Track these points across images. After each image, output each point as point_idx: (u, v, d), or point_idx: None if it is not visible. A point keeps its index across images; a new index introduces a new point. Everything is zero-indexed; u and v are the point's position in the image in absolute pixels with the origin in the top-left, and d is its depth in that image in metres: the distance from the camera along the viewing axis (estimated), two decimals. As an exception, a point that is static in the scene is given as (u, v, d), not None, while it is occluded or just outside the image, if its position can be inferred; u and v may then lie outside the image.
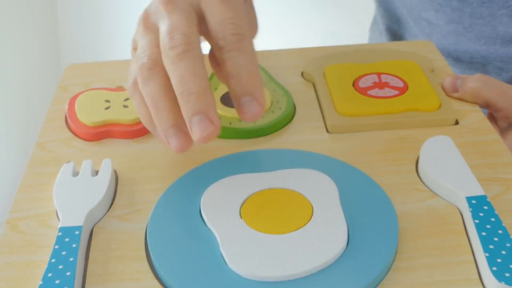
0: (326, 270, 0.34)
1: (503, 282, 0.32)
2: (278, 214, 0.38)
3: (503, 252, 0.34)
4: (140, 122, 0.47)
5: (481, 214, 0.37)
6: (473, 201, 0.38)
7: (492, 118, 0.50)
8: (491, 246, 0.34)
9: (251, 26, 0.41)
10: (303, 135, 0.46)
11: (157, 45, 0.38)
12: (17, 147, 1.42)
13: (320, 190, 0.39)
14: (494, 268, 0.33)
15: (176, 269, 0.35)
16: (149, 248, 0.37)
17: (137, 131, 0.46)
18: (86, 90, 0.50)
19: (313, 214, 0.38)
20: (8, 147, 1.43)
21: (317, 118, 0.48)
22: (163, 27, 0.37)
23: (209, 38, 0.39)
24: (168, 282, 0.34)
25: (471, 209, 0.37)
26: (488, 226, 0.36)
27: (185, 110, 0.35)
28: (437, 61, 0.54)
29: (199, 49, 0.37)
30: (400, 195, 0.40)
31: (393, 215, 0.38)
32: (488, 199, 0.38)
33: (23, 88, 1.42)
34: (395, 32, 0.75)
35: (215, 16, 0.38)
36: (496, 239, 0.35)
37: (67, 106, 0.49)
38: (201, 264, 0.35)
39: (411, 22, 0.70)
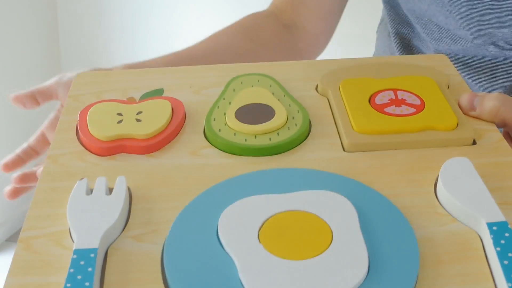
0: (347, 299, 0.34)
1: (528, 316, 0.32)
2: (297, 238, 0.37)
3: (527, 283, 0.33)
4: (154, 137, 0.46)
5: (502, 242, 0.36)
6: (494, 228, 0.37)
7: (508, 137, 0.49)
8: (515, 277, 0.34)
9: None
10: (319, 152, 0.46)
11: None
12: (17, 145, 1.41)
13: (339, 214, 0.39)
14: (519, 301, 0.32)
15: (194, 295, 0.34)
16: (166, 272, 0.36)
17: (151, 146, 0.46)
18: (98, 102, 0.50)
19: (333, 239, 0.37)
20: (8, 147, 1.42)
21: (333, 134, 0.47)
22: None
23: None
24: (186, 308, 0.34)
25: (492, 235, 0.37)
26: (510, 255, 0.36)
27: None
28: (453, 77, 0.53)
29: None
30: (420, 218, 0.40)
31: (413, 240, 0.37)
32: (509, 226, 0.37)
33: (22, 87, 1.41)
34: (404, 36, 0.74)
35: None
36: (519, 269, 0.34)
37: (78, 119, 0.48)
38: (219, 290, 0.35)
39: (419, 27, 0.70)
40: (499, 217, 0.38)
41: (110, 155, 0.46)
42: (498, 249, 0.36)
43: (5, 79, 1.41)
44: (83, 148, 0.47)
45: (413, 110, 0.47)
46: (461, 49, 0.66)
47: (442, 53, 0.64)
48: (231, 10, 1.58)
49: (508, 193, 0.41)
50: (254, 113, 0.48)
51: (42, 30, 1.63)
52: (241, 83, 0.52)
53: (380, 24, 0.82)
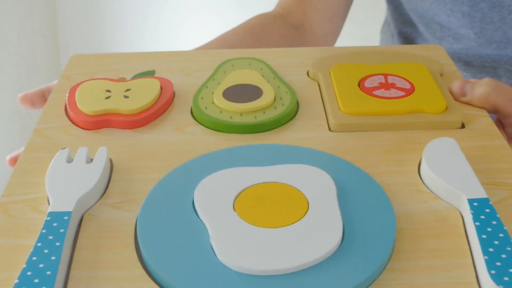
0: (318, 267, 0.33)
1: (501, 286, 0.31)
2: (272, 208, 0.37)
3: (503, 256, 0.32)
4: (140, 113, 0.46)
5: (482, 217, 0.36)
6: (475, 204, 0.36)
7: (500, 124, 0.48)
8: (491, 249, 0.33)
9: None
10: (305, 132, 0.45)
11: None
12: (18, 145, 1.42)
13: (317, 186, 0.38)
14: (493, 272, 0.31)
15: (164, 259, 0.34)
16: (138, 237, 0.36)
17: (137, 121, 0.46)
18: (88, 80, 0.50)
19: (309, 209, 0.36)
20: (8, 145, 1.44)
21: (320, 116, 0.47)
22: None
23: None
24: (155, 272, 0.33)
25: (472, 211, 0.36)
26: (489, 229, 0.35)
27: None
28: (447, 66, 0.53)
29: None
30: (401, 196, 0.39)
31: (391, 214, 0.37)
32: (490, 202, 0.36)
33: (22, 87, 1.42)
34: (407, 36, 0.74)
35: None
36: (496, 242, 0.33)
37: (67, 95, 0.49)
38: (190, 256, 0.34)
39: (422, 27, 0.70)
40: (481, 194, 0.37)
41: (95, 129, 0.46)
42: (477, 223, 0.35)
43: (5, 79, 1.43)
44: (70, 122, 0.47)
45: (402, 93, 0.47)
46: (463, 48, 0.65)
47: (446, 50, 0.64)
48: (232, 10, 1.59)
49: (494, 174, 0.41)
50: (242, 92, 0.48)
51: (42, 29, 1.65)
52: (232, 65, 0.52)
53: (383, 24, 0.81)
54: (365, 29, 1.25)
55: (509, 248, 0.33)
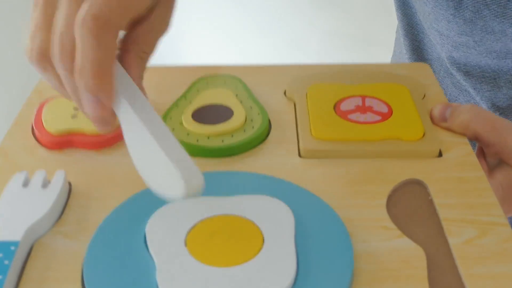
0: (265, 311, 0.31)
1: None
2: (225, 244, 0.35)
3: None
4: (104, 134, 0.45)
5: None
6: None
7: (481, 152, 0.46)
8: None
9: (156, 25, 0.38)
10: (274, 157, 0.43)
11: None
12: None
13: (276, 221, 0.36)
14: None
15: (106, 297, 0.32)
16: (83, 273, 0.34)
17: (100, 143, 0.44)
18: (56, 97, 0.49)
19: (263, 247, 0.35)
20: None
21: (291, 140, 0.45)
22: None
23: None
24: (96, 310, 0.32)
25: None
26: None
27: (79, 84, 0.34)
28: (431, 86, 0.50)
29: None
30: (364, 232, 0.37)
31: (349, 254, 0.35)
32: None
33: (23, 90, 1.42)
34: (414, 38, 0.72)
35: None
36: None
37: (35, 112, 0.47)
38: (134, 293, 0.33)
39: (426, 30, 0.67)
40: None
41: (59, 149, 0.45)
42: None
43: (5, 79, 1.43)
44: (35, 142, 0.46)
45: (378, 118, 0.45)
46: (463, 57, 0.63)
47: (446, 59, 0.62)
48: (232, 10, 1.57)
49: (466, 210, 0.38)
50: (212, 113, 0.46)
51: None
52: (207, 83, 0.50)
53: (397, 27, 0.79)
54: (379, 31, 1.22)
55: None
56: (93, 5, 0.33)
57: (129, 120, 0.35)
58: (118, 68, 0.36)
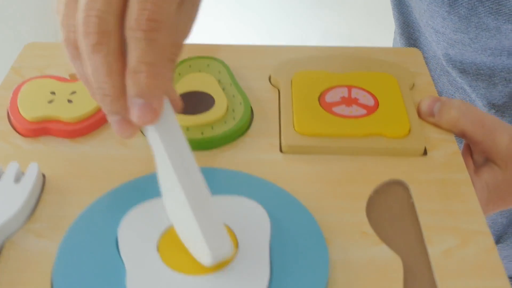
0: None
1: None
2: (198, 250, 0.34)
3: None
4: (81, 121, 0.43)
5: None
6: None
7: (468, 150, 0.45)
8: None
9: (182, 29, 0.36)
10: (254, 152, 0.42)
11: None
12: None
13: (251, 225, 0.36)
14: None
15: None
16: (52, 278, 0.34)
17: (77, 131, 0.43)
18: (33, 78, 0.47)
19: (237, 253, 0.34)
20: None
21: (273, 133, 0.44)
22: None
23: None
24: (64, 318, 0.32)
25: None
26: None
27: (103, 108, 0.33)
28: (421, 76, 0.49)
29: (116, 38, 0.32)
30: (342, 238, 0.36)
31: (324, 263, 0.34)
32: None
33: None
34: (409, 36, 0.70)
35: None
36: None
37: (11, 95, 0.46)
38: (104, 301, 0.32)
39: (422, 27, 0.65)
40: None
41: (34, 136, 0.43)
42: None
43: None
44: (10, 128, 0.44)
45: (363, 111, 0.43)
46: (458, 54, 0.61)
47: (442, 56, 0.60)
48: (231, 11, 1.54)
49: (448, 216, 0.37)
50: (193, 102, 0.44)
51: (41, 26, 1.62)
52: (189, 66, 0.48)
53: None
54: (376, 29, 1.20)
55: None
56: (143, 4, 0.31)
57: (164, 166, 0.34)
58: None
